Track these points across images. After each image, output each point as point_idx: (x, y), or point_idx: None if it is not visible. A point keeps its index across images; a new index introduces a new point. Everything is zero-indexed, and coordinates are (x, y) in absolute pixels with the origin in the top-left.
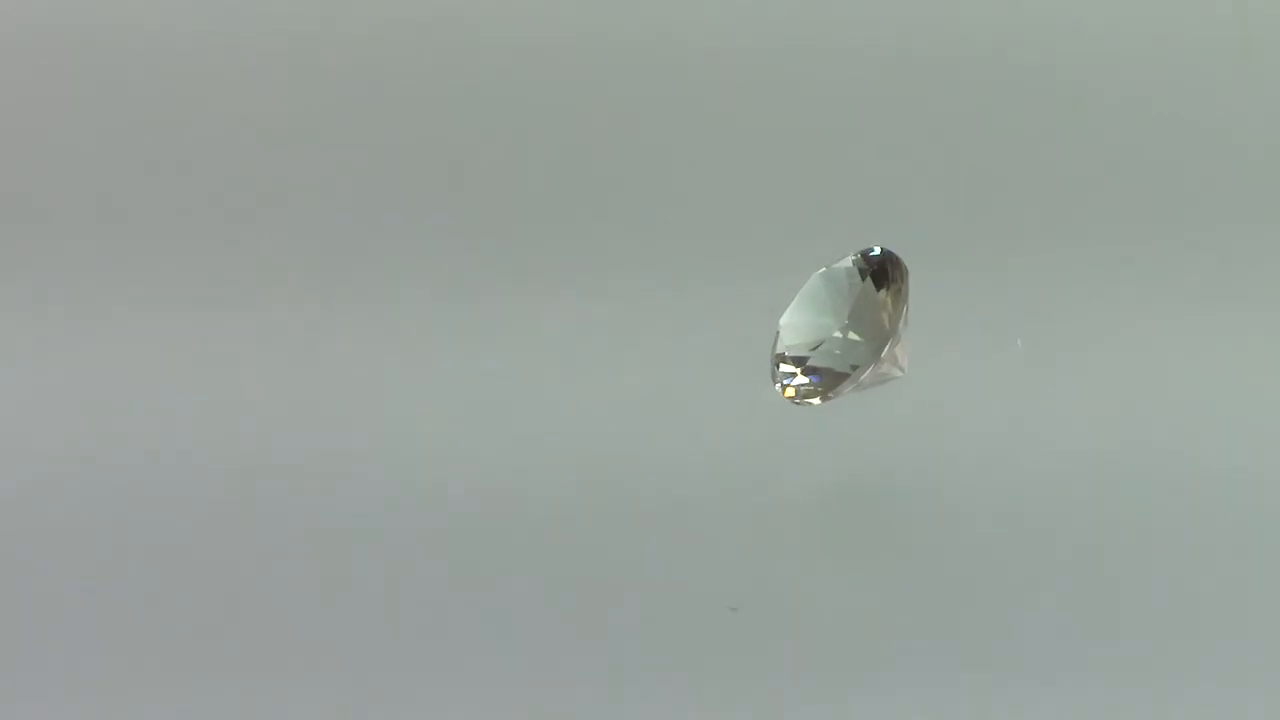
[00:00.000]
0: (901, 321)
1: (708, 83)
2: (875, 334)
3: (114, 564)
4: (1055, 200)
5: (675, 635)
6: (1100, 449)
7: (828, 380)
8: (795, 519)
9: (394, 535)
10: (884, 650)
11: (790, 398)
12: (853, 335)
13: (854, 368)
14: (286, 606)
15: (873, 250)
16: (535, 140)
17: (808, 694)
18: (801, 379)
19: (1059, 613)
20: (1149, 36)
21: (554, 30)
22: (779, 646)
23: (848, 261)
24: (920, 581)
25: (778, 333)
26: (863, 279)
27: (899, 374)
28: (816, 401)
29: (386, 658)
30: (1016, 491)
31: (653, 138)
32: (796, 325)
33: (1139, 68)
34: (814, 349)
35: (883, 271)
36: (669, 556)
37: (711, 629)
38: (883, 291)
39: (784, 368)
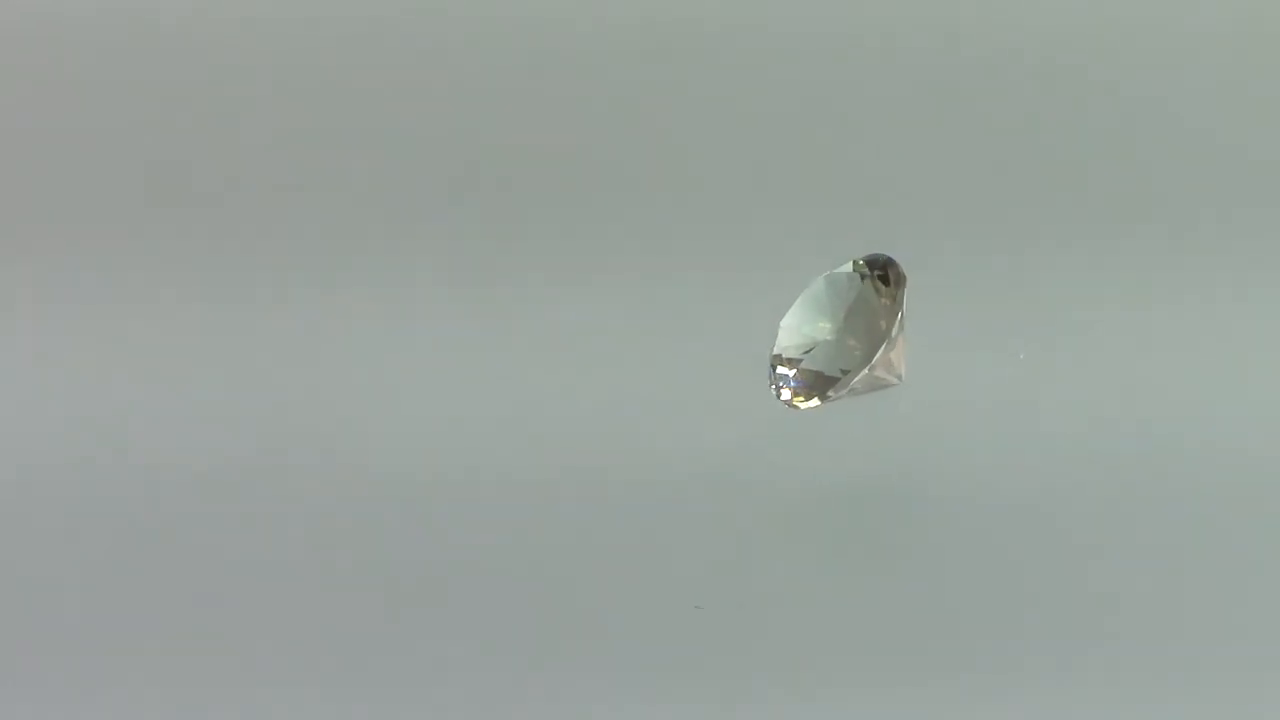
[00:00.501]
0: (895, 327)
1: (711, 85)
2: (869, 339)
3: (113, 559)
4: (1056, 206)
5: (670, 634)
6: (1097, 453)
7: (817, 383)
8: (793, 520)
9: (392, 531)
10: (880, 650)
11: (784, 400)
12: (846, 339)
13: (844, 372)
14: (283, 598)
15: (874, 256)
16: (538, 141)
17: (804, 693)
18: (795, 381)
19: (1055, 614)
20: (1144, 40)
21: (561, 31)
22: (775, 646)
23: (849, 266)
24: (916, 583)
25: (777, 334)
26: (862, 284)
27: (895, 381)
28: (807, 405)
29: (379, 648)
30: (1012, 495)
31: (656, 139)
32: (794, 327)
33: (1136, 73)
34: (808, 351)
35: (883, 277)
36: (667, 555)
37: (707, 629)
38: (880, 297)
39: (779, 369)
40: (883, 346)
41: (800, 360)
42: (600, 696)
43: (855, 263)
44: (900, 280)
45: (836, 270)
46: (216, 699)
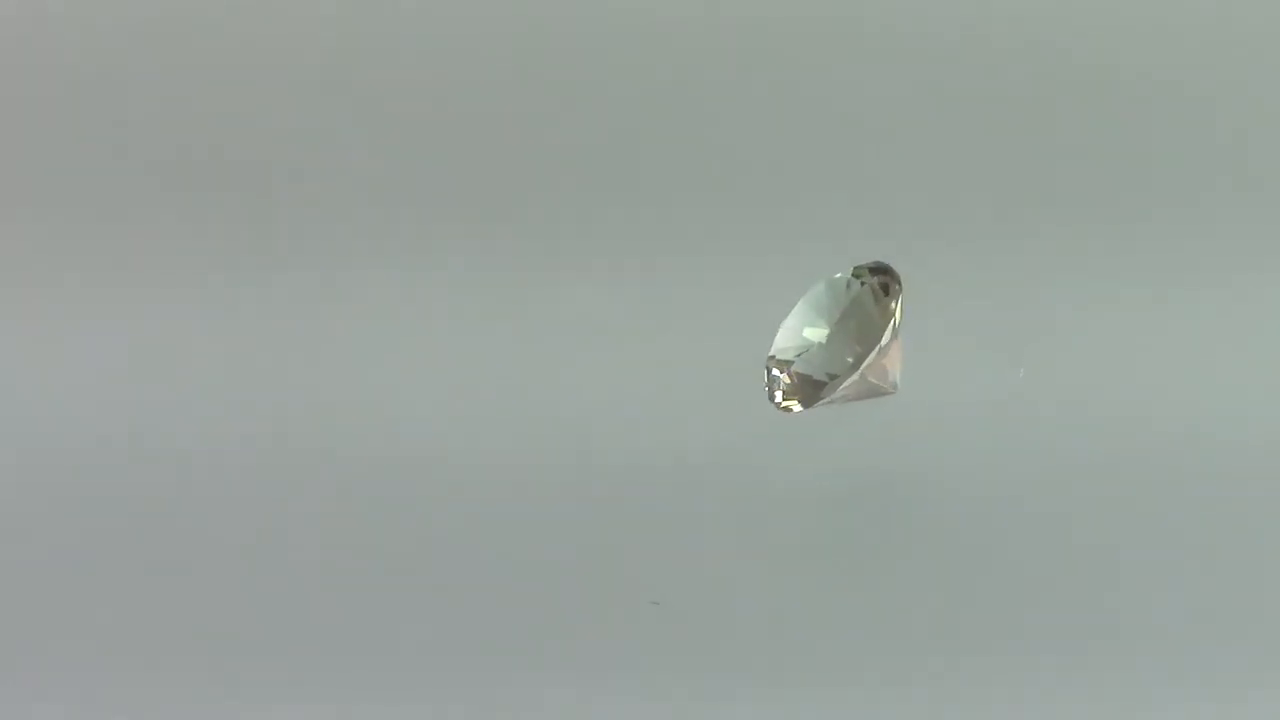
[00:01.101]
0: (889, 333)
1: (711, 87)
2: (861, 344)
3: (110, 557)
4: (1055, 208)
5: (666, 634)
6: (1094, 456)
7: (807, 387)
8: (789, 521)
9: (390, 528)
10: (877, 651)
11: (777, 403)
12: (838, 343)
13: (832, 376)
14: (281, 593)
15: (875, 263)
16: (539, 140)
17: (798, 694)
18: (788, 384)
19: (1053, 615)
20: (1143, 42)
21: (563, 32)
22: (769, 645)
23: (849, 271)
24: (913, 584)
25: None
26: (860, 290)
27: (889, 389)
28: (799, 408)
29: (375, 645)
30: (1010, 497)
31: (656, 140)
32: (791, 330)
33: (1135, 77)
34: (800, 355)
35: (882, 284)
36: (665, 555)
37: (705, 629)
38: (877, 304)
39: (774, 372)
40: (873, 353)
41: (792, 362)
42: (596, 696)
43: (855, 268)
44: (897, 288)
45: (838, 275)
46: (215, 697)
